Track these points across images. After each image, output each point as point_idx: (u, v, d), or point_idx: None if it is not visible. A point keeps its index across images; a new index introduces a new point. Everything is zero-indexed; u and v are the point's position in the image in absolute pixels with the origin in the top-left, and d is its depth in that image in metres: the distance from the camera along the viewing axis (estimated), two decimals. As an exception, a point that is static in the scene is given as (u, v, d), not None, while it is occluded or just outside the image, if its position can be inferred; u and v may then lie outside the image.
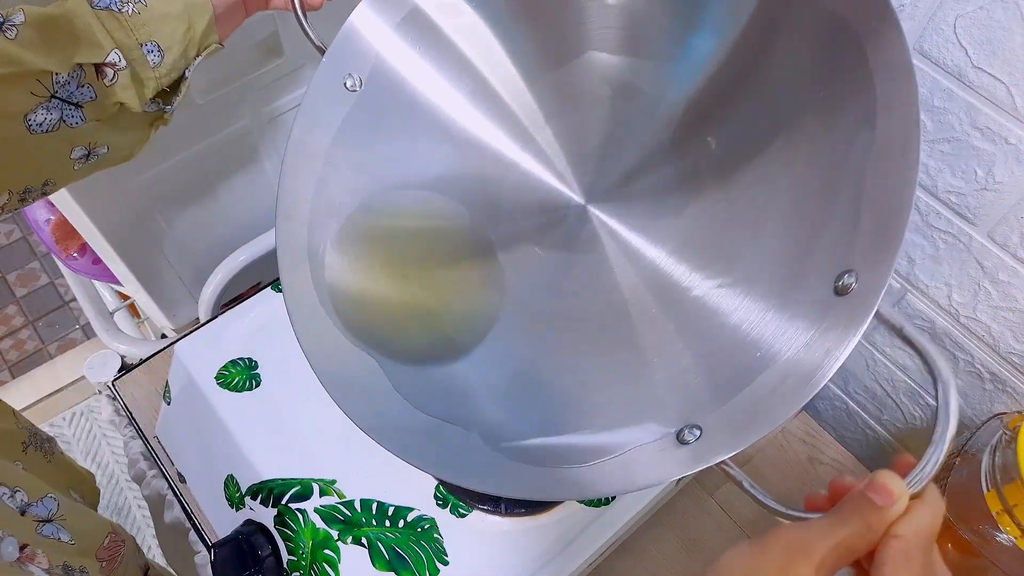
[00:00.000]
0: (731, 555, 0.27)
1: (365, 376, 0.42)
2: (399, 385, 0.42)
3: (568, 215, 0.47)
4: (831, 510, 0.27)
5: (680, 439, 0.35)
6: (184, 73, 0.48)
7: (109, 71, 0.43)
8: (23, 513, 0.44)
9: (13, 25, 0.40)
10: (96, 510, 0.57)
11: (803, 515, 0.28)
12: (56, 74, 0.42)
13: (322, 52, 0.47)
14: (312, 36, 0.48)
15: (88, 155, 0.47)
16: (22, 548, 0.41)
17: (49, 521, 0.46)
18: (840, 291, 0.32)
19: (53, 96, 0.42)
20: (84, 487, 0.56)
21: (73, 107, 0.43)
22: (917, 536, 0.25)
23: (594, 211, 0.46)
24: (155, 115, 0.50)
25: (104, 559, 0.48)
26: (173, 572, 0.68)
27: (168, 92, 0.49)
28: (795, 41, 0.37)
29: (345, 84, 0.47)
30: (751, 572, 0.26)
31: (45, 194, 0.47)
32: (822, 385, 0.31)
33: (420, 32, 0.47)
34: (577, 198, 0.47)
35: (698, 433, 0.34)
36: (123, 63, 0.44)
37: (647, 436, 0.36)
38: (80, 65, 0.42)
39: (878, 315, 0.31)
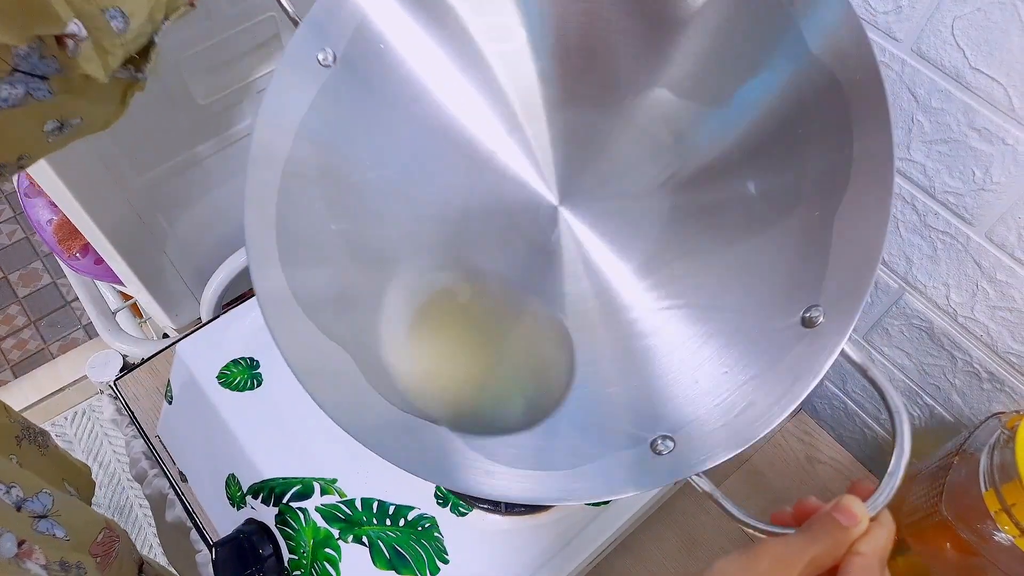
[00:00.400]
0: (722, 564, 0.29)
1: (340, 369, 0.41)
2: (375, 383, 0.41)
3: (539, 215, 0.46)
4: (802, 527, 0.30)
5: (654, 449, 0.35)
6: (153, 38, 0.45)
7: (70, 42, 0.41)
8: (19, 509, 0.44)
9: None
10: (91, 503, 0.57)
11: (773, 529, 0.30)
12: (15, 47, 0.39)
13: (296, 24, 0.45)
14: (285, 4, 0.46)
15: (61, 127, 0.45)
16: (20, 544, 0.41)
17: (44, 517, 0.46)
18: (807, 323, 0.34)
19: (15, 70, 0.40)
20: (79, 480, 0.56)
21: (38, 80, 0.41)
22: (875, 554, 0.29)
23: (565, 213, 0.45)
24: (128, 82, 0.47)
25: (99, 555, 0.48)
26: (173, 571, 0.69)
27: (138, 59, 0.46)
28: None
29: (318, 58, 0.44)
30: None
31: (22, 167, 0.46)
32: (790, 410, 0.32)
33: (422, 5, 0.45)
34: (551, 197, 0.46)
35: (671, 445, 0.35)
36: (83, 33, 0.41)
37: (622, 444, 0.36)
38: (40, 37, 0.40)
39: (843, 355, 0.33)
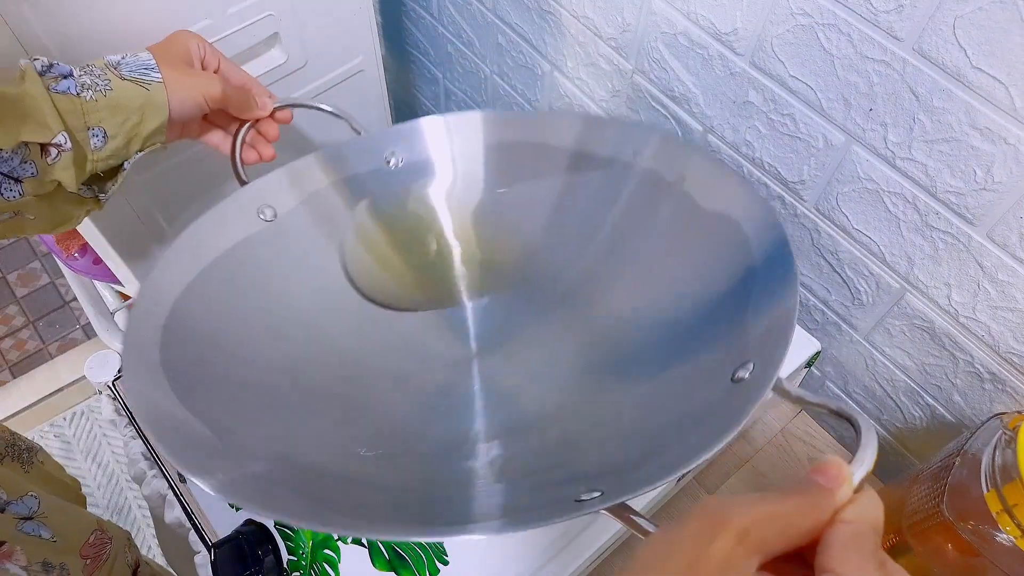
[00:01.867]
0: (651, 538, 0.25)
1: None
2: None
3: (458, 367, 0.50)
4: (772, 489, 0.26)
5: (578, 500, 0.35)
6: (123, 164, 0.49)
7: (53, 150, 0.44)
8: (2, 510, 0.44)
9: None
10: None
11: None
12: (0, 149, 0.42)
13: (243, 183, 0.50)
14: (242, 173, 0.52)
15: (13, 215, 0.47)
16: None
17: (30, 519, 0.46)
18: (736, 380, 0.37)
19: None
20: (68, 495, 0.56)
21: (13, 181, 0.44)
22: (865, 522, 0.23)
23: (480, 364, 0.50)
24: (89, 199, 0.50)
25: (88, 557, 0.48)
26: (171, 570, 0.68)
27: (104, 178, 0.50)
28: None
29: (262, 214, 0.50)
30: (667, 547, 0.24)
31: None
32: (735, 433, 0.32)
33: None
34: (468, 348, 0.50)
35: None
36: (68, 144, 0.44)
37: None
38: (25, 143, 0.43)
39: (790, 397, 0.34)
